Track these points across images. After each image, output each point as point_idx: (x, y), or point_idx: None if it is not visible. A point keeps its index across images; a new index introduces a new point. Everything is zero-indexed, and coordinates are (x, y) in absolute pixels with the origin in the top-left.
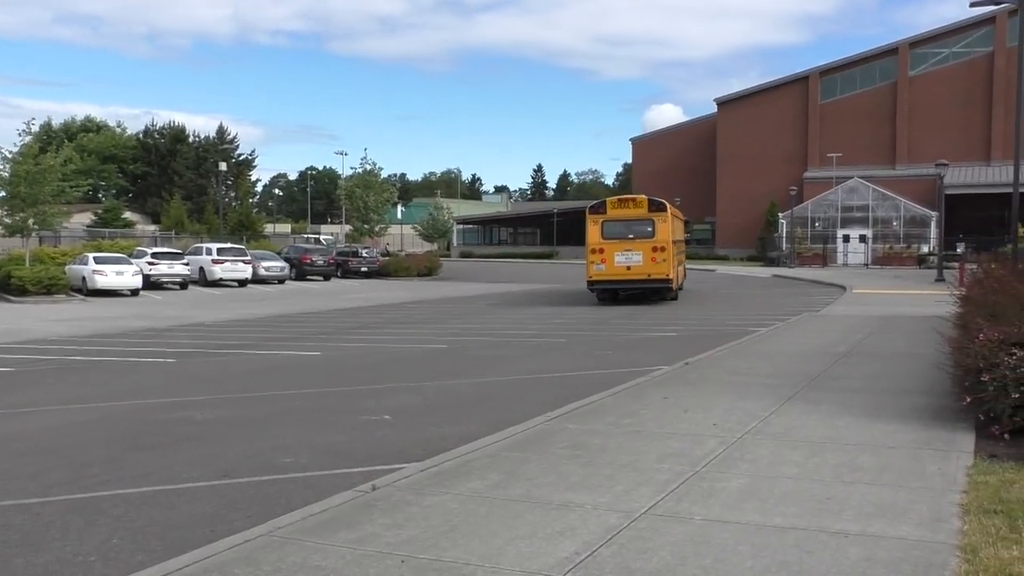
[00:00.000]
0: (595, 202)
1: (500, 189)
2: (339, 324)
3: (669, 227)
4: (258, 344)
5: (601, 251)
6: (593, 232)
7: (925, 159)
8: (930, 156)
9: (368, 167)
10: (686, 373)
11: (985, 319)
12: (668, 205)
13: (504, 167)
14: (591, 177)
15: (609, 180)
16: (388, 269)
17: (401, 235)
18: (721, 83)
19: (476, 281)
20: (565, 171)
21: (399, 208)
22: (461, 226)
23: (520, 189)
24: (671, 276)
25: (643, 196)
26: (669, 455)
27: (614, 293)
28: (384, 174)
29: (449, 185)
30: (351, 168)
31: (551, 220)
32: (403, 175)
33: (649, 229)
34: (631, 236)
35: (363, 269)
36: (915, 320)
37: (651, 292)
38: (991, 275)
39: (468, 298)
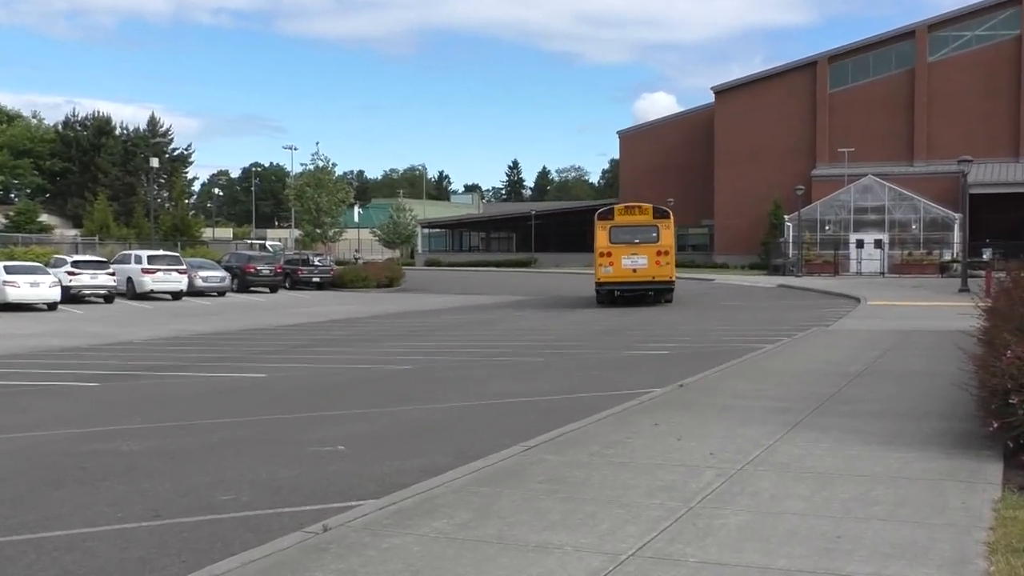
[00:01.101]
0: (603, 208)
1: (471, 188)
2: (287, 342)
3: (672, 233)
4: (195, 365)
5: (609, 254)
6: (601, 237)
7: (946, 154)
8: (952, 151)
9: (321, 163)
10: (680, 396)
11: (1014, 334)
12: (671, 212)
13: (476, 163)
14: (574, 175)
15: (594, 178)
16: (343, 279)
17: (358, 240)
18: (719, 69)
19: (444, 293)
20: (544, 168)
21: (356, 210)
22: (427, 230)
23: (494, 188)
24: (674, 278)
25: (648, 204)
26: (660, 489)
27: (618, 294)
28: (339, 171)
29: (413, 184)
30: (301, 164)
31: (529, 223)
32: (360, 172)
33: (654, 235)
34: (637, 241)
35: (315, 279)
36: (936, 335)
37: (655, 293)
38: (1021, 284)
39: (435, 312)
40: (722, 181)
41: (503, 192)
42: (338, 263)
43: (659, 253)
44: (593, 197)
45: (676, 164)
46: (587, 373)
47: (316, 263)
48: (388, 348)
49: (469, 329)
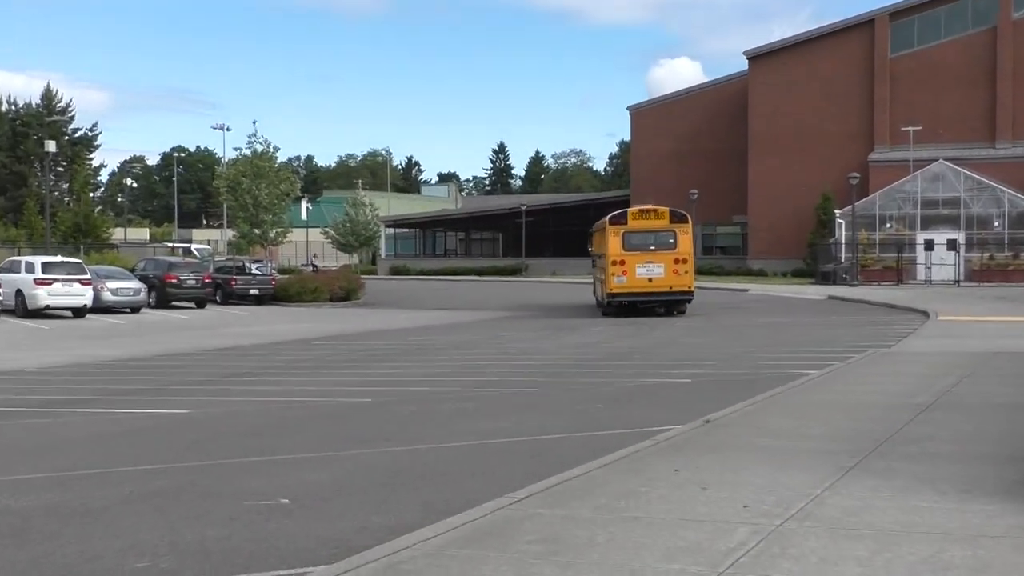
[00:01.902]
0: (616, 212)
1: (447, 178)
2: (217, 370)
3: (691, 239)
4: (102, 399)
5: (622, 262)
6: (614, 243)
7: None
8: None
9: (259, 147)
10: (706, 435)
11: None
12: (689, 216)
13: (453, 147)
14: (574, 160)
15: (599, 164)
16: (288, 292)
17: (307, 243)
18: (755, 30)
19: (414, 308)
20: (538, 153)
21: (303, 205)
22: (392, 230)
23: (475, 178)
24: (693, 288)
25: (665, 208)
26: (682, 551)
27: (632, 306)
28: (282, 157)
29: (375, 173)
30: (235, 149)
31: (518, 221)
32: (309, 159)
33: (671, 240)
34: (653, 247)
35: (252, 292)
36: None
37: (671, 304)
38: None
39: (402, 332)
40: (758, 168)
41: (487, 183)
42: (282, 271)
43: (677, 261)
44: (598, 188)
45: (701, 147)
46: (591, 407)
47: (254, 272)
48: (344, 376)
49: (445, 353)
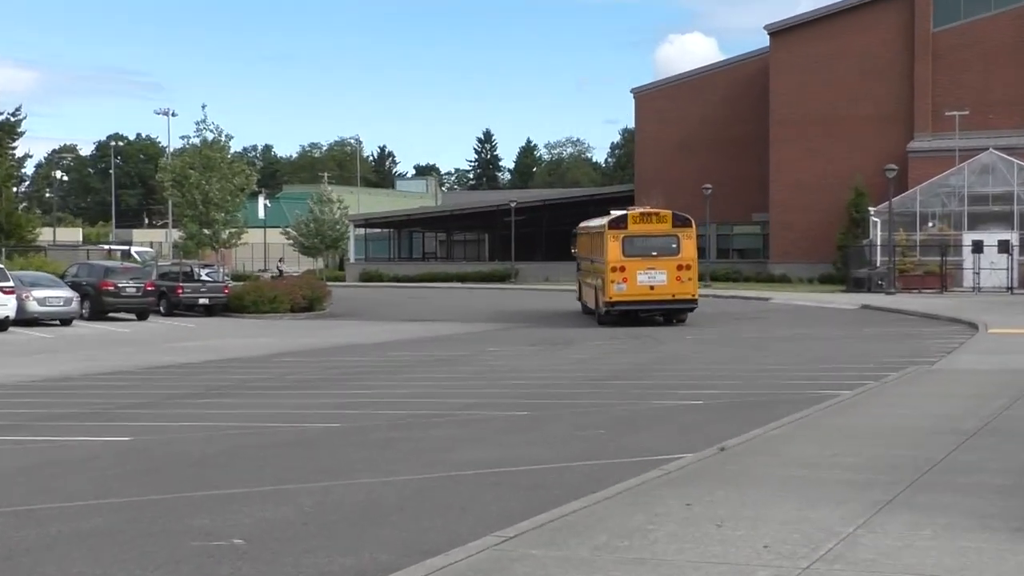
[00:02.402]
0: (615, 216)
1: (425, 171)
2: (162, 391)
3: (694, 243)
4: (29, 426)
5: (622, 269)
6: (613, 249)
7: None
8: None
9: (210, 135)
10: (721, 465)
11: None
12: (692, 220)
13: (432, 136)
14: (571, 152)
15: (599, 155)
16: (243, 301)
17: (265, 245)
18: (778, 1)
19: (387, 319)
20: (529, 142)
21: (261, 202)
22: (362, 230)
23: (458, 171)
24: (697, 296)
25: (667, 211)
26: None
27: (630, 315)
28: (236, 147)
29: (343, 165)
30: (182, 138)
31: (507, 220)
32: (268, 149)
33: (674, 245)
34: (655, 253)
35: (202, 301)
36: None
37: (673, 313)
38: None
39: (375, 347)
40: (780, 159)
41: (471, 176)
42: (236, 278)
43: (680, 267)
44: (597, 182)
45: (715, 135)
46: (592, 432)
47: (204, 278)
48: (309, 398)
49: (424, 371)
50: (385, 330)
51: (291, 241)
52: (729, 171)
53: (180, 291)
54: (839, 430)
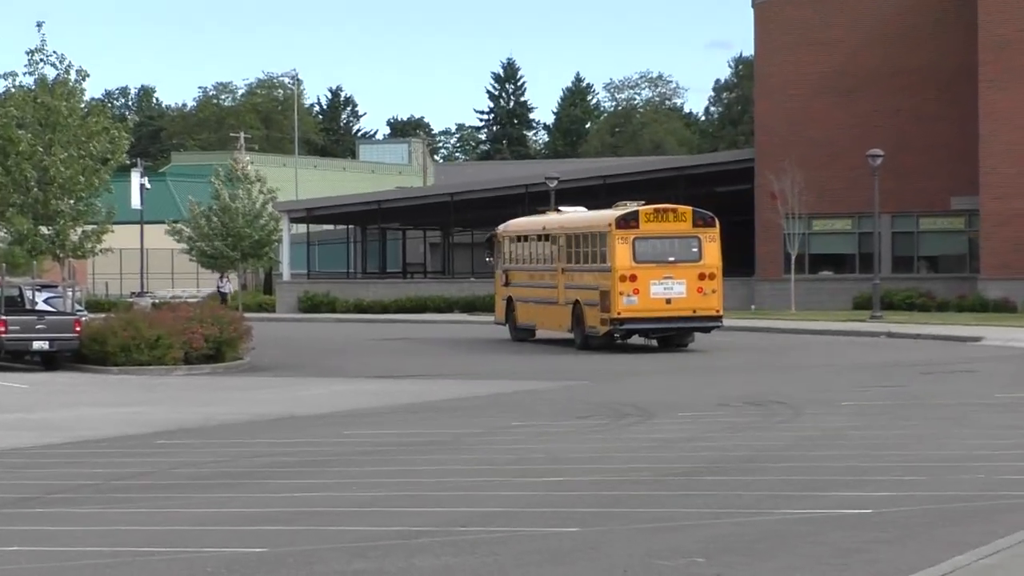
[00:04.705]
0: (623, 212)
1: (405, 128)
2: None
3: (718, 246)
4: None
5: (633, 278)
6: (622, 253)
7: None
8: None
9: (52, 72)
10: None
11: None
12: (716, 219)
13: (416, 72)
14: (648, 95)
15: (696, 103)
16: (106, 346)
17: (142, 251)
18: None
19: (343, 375)
20: (579, 80)
21: (136, 181)
22: (302, 227)
23: (460, 129)
24: (722, 312)
25: (686, 207)
26: None
27: (642, 335)
28: (96, 91)
29: (270, 119)
30: (5, 76)
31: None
32: (147, 94)
33: (695, 249)
34: (672, 259)
35: (38, 346)
36: None
37: (685, 334)
38: None
39: (322, 419)
40: (997, 111)
41: (482, 136)
42: (95, 307)
43: (702, 276)
44: (692, 147)
45: (884, 70)
46: (683, 561)
47: (42, 307)
48: (215, 507)
49: (404, 460)
50: (340, 392)
51: (184, 244)
52: (908, 129)
53: (2, 329)
54: None
